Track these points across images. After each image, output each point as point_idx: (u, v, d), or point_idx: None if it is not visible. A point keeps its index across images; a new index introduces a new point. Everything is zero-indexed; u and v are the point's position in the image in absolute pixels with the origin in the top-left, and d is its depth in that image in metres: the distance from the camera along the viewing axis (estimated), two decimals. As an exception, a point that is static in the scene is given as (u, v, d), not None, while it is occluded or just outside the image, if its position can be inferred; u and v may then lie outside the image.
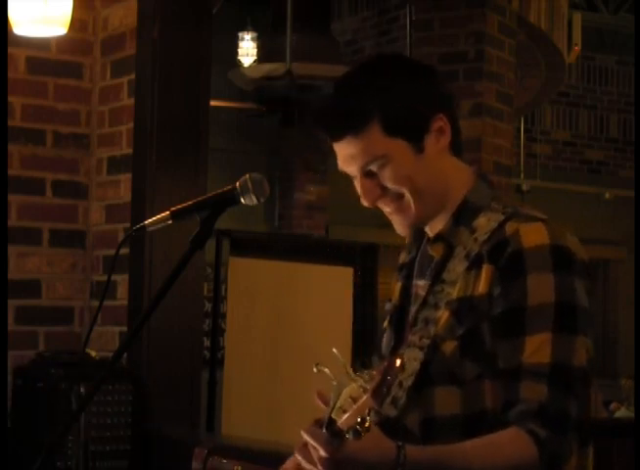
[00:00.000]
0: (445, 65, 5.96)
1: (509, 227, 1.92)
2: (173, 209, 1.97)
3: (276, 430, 5.12)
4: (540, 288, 1.86)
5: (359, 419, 1.61)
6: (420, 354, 1.92)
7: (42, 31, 4.26)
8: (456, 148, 2.03)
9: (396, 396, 1.93)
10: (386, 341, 2.10)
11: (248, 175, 1.96)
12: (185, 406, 4.37)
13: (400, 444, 1.74)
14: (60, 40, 4.52)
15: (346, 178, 2.03)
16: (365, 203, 2.00)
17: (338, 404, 1.68)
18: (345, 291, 5.61)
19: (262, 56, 8.16)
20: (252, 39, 8.52)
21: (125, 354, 4.18)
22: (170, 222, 1.97)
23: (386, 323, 2.13)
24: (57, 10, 4.16)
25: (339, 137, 1.96)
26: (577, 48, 8.50)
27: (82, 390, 3.93)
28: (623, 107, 12.10)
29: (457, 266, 1.95)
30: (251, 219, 8.68)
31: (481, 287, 1.90)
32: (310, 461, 1.74)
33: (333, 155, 2.02)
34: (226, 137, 8.78)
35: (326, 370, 1.72)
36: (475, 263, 1.92)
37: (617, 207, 11.29)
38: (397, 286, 2.13)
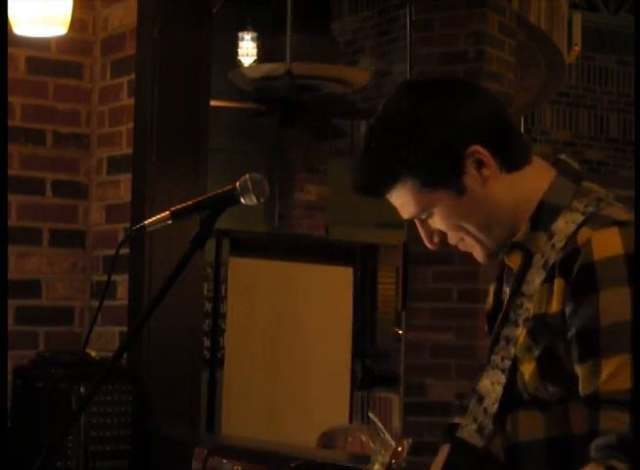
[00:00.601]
0: (445, 65, 5.95)
1: (582, 234, 1.76)
2: (173, 209, 1.97)
3: (276, 430, 5.13)
4: (614, 305, 1.70)
5: None
6: (502, 378, 1.81)
7: (42, 31, 4.25)
8: (513, 164, 1.88)
9: (482, 423, 1.84)
10: None
11: (248, 175, 1.96)
12: (185, 406, 4.37)
13: None
14: (60, 40, 4.52)
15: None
16: (430, 245, 1.93)
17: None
18: (345, 291, 5.62)
19: (262, 56, 8.17)
20: (252, 39, 8.54)
21: (125, 354, 4.18)
22: (170, 222, 1.97)
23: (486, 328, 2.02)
24: (57, 10, 4.15)
25: (377, 197, 1.90)
26: (577, 48, 8.50)
27: (82, 390, 3.93)
28: (623, 107, 12.09)
29: (535, 278, 1.81)
30: (251, 219, 8.68)
31: (555, 304, 1.76)
32: None
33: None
34: (226, 137, 8.78)
35: (376, 420, 1.75)
36: (549, 275, 1.78)
37: (617, 207, 11.27)
38: (491, 288, 2.02)
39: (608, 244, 1.73)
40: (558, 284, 1.76)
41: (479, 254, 1.90)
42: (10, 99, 4.47)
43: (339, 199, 9.38)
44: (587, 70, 11.98)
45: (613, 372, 1.68)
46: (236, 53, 8.52)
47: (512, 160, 1.88)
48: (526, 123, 11.23)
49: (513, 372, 1.80)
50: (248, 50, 8.54)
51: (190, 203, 1.97)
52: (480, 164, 1.85)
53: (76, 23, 4.45)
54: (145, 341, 4.24)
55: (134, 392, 4.07)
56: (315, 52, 7.38)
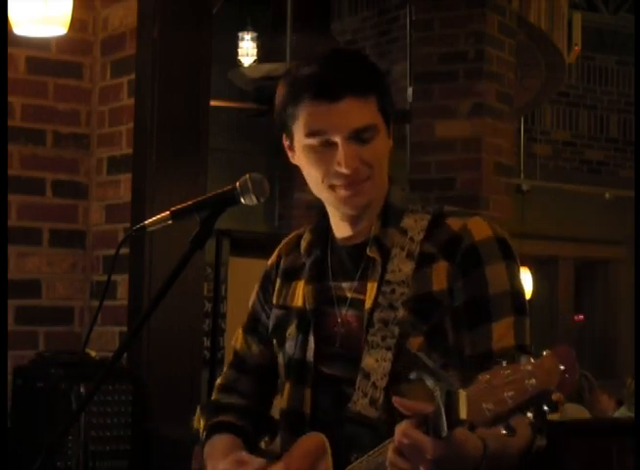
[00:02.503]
0: (445, 65, 5.95)
1: (453, 224, 2.02)
2: (173, 209, 1.97)
3: (276, 430, 5.11)
4: (497, 277, 1.98)
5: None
6: (388, 354, 1.95)
7: (42, 31, 4.25)
8: None
9: (374, 397, 1.95)
10: (293, 346, 2.08)
11: (248, 175, 1.96)
12: (185, 406, 4.37)
13: (483, 437, 1.74)
14: (60, 40, 4.52)
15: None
16: (347, 168, 1.96)
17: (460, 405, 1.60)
18: (345, 291, 5.61)
19: (262, 56, 8.16)
20: (252, 39, 8.53)
21: (125, 354, 4.18)
22: (170, 222, 1.97)
23: (291, 329, 2.09)
24: (57, 10, 4.16)
25: (342, 95, 1.95)
26: (577, 48, 8.49)
27: (82, 390, 3.93)
28: (623, 107, 12.10)
29: (402, 267, 2.00)
30: (251, 219, 8.68)
31: (440, 283, 1.98)
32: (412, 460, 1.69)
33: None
34: (226, 137, 8.78)
35: (429, 383, 1.65)
36: (424, 262, 2.00)
37: (617, 207, 11.29)
38: (303, 289, 2.10)
39: (481, 228, 2.01)
40: (442, 266, 1.98)
41: (363, 197, 2.00)
42: (10, 99, 4.47)
43: (339, 199, 9.37)
44: (587, 70, 11.98)
45: (502, 333, 1.95)
46: (236, 53, 8.51)
47: None
48: (526, 123, 11.23)
49: (399, 348, 1.95)
50: (248, 50, 8.53)
51: (190, 203, 1.97)
52: (390, 135, 2.05)
53: (76, 23, 4.45)
54: (145, 341, 4.24)
55: (134, 392, 4.07)
56: (315, 52, 7.38)
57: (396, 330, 1.96)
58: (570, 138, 11.96)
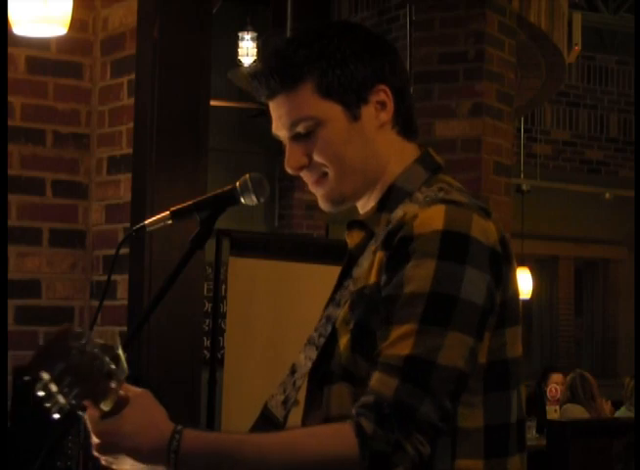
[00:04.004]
0: (445, 65, 5.95)
1: (410, 213, 1.75)
2: (173, 209, 1.96)
3: (276, 430, 5.11)
4: (418, 276, 1.68)
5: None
6: (314, 353, 1.83)
7: (42, 31, 4.25)
8: (406, 130, 1.91)
9: (289, 395, 1.86)
10: None
11: (248, 175, 1.96)
12: (185, 406, 4.37)
13: (179, 428, 1.72)
14: (60, 40, 4.52)
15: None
16: (288, 169, 1.92)
17: None
18: (345, 291, 5.60)
19: (262, 56, 8.18)
20: (252, 39, 8.55)
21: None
22: (170, 222, 1.96)
23: None
24: (57, 10, 4.15)
25: (272, 94, 1.86)
26: (577, 48, 8.49)
27: (82, 390, 3.92)
28: (623, 107, 12.10)
29: (365, 262, 1.82)
30: (252, 219, 8.69)
31: (372, 276, 1.76)
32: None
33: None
34: (226, 137, 8.79)
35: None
36: (374, 255, 1.79)
37: (617, 207, 11.29)
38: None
39: (429, 220, 1.71)
40: (379, 256, 1.76)
41: (329, 192, 1.89)
42: (10, 99, 4.47)
43: (339, 199, 9.37)
44: (587, 70, 11.99)
45: (397, 338, 1.66)
46: (236, 53, 8.53)
47: (407, 122, 1.91)
48: (526, 123, 11.23)
49: (326, 348, 1.80)
50: (248, 50, 8.55)
51: (190, 203, 1.96)
52: (382, 107, 1.87)
53: (76, 23, 4.45)
54: (145, 341, 4.24)
55: (134, 392, 4.07)
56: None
57: (329, 328, 1.82)
58: (570, 138, 11.97)
